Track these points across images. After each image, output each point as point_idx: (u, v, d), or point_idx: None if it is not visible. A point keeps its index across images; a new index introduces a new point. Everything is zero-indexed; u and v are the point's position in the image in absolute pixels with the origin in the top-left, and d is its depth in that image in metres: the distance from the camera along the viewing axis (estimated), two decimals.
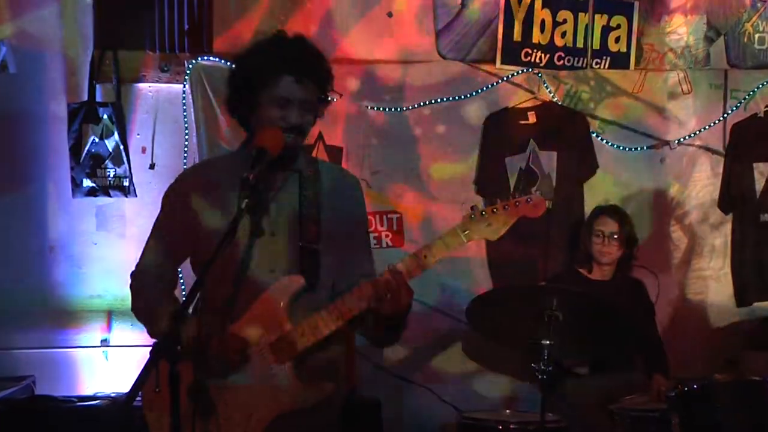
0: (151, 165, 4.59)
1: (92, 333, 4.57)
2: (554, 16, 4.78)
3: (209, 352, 2.35)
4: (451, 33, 4.76)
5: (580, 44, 4.82)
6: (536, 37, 4.78)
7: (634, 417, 3.66)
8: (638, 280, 4.42)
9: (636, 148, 4.82)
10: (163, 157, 4.60)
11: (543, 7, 4.78)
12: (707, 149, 4.87)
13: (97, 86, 4.52)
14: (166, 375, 2.08)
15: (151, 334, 2.56)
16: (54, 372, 4.47)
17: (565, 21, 4.80)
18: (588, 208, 4.63)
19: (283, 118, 2.46)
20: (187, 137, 4.55)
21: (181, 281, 3.90)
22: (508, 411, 4.02)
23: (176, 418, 2.10)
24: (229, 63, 3.79)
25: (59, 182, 4.53)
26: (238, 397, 2.43)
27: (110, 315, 4.54)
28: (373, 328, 2.54)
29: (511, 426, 3.71)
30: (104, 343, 4.56)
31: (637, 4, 4.85)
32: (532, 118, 4.72)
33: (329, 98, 2.62)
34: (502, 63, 4.78)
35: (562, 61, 4.82)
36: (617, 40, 4.86)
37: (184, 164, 4.47)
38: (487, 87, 4.74)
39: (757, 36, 4.95)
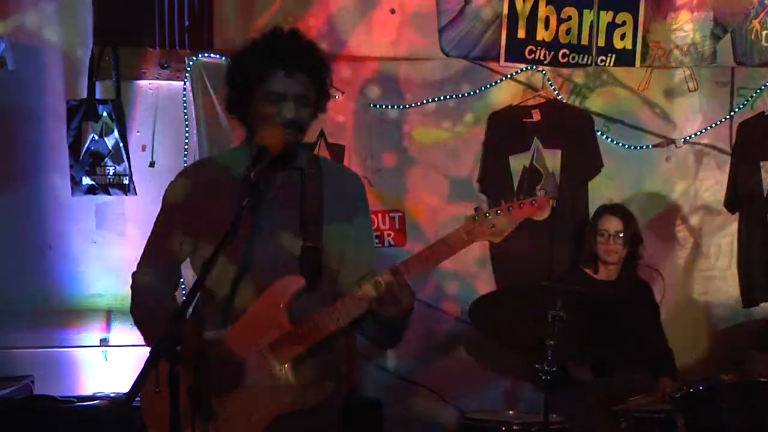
0: (151, 163, 4.59)
1: (91, 332, 4.58)
2: (559, 12, 4.78)
3: (206, 368, 2.35)
4: (454, 30, 4.76)
5: (585, 41, 4.82)
6: (540, 34, 4.78)
7: (639, 418, 3.66)
8: (644, 281, 4.42)
9: (641, 147, 4.82)
10: (164, 155, 4.60)
11: (547, 3, 4.77)
12: (713, 148, 4.86)
13: (97, 83, 4.52)
14: (166, 375, 2.08)
15: (148, 339, 2.55)
16: (53, 372, 4.48)
17: (569, 18, 4.80)
18: (592, 207, 4.63)
19: (278, 113, 2.46)
20: (187, 135, 4.55)
21: (182, 281, 3.90)
22: (511, 412, 4.03)
23: (176, 419, 2.10)
24: (228, 60, 3.79)
25: (58, 180, 4.54)
26: (237, 398, 2.43)
27: (109, 314, 4.55)
28: (374, 330, 2.54)
29: (514, 427, 3.71)
30: (103, 342, 4.57)
31: (642, 0, 4.85)
32: (536, 116, 4.72)
33: (329, 92, 2.62)
34: (506, 60, 4.77)
35: (566, 59, 4.82)
36: (623, 37, 4.85)
37: (185, 162, 4.47)
38: (491, 85, 4.75)
39: (764, 33, 4.94)
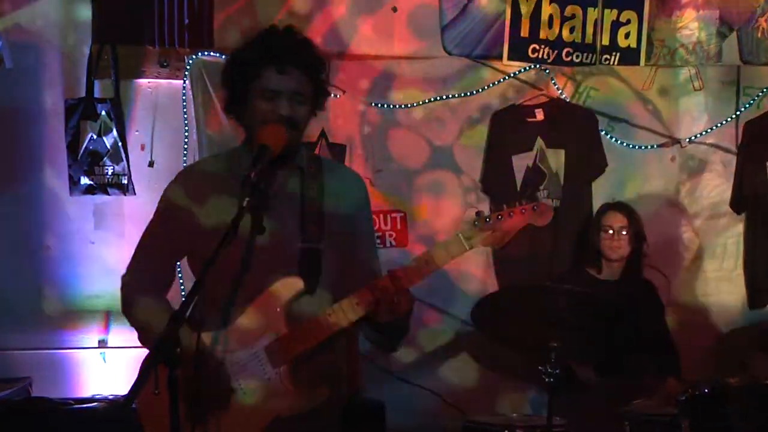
0: (150, 162, 4.59)
1: (90, 334, 4.57)
2: (562, 11, 4.77)
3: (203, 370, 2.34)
4: (456, 28, 4.76)
5: (589, 40, 4.82)
6: (544, 32, 4.77)
7: (644, 421, 3.66)
8: (648, 281, 4.42)
9: (646, 146, 4.82)
10: (163, 155, 4.60)
11: (551, 2, 4.77)
12: (719, 147, 4.87)
13: (96, 82, 4.52)
14: (165, 377, 2.08)
15: (145, 339, 2.55)
16: (51, 373, 4.47)
17: (573, 16, 4.79)
18: (596, 207, 4.63)
19: (272, 110, 2.46)
20: (186, 134, 4.55)
21: (181, 282, 3.90)
22: (514, 414, 4.03)
23: (176, 421, 2.10)
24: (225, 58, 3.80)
25: (56, 180, 4.53)
26: (232, 402, 2.42)
27: (108, 315, 4.54)
28: (374, 333, 2.54)
29: (517, 430, 3.72)
30: (102, 344, 4.56)
31: None
32: (539, 115, 4.72)
33: (327, 90, 2.61)
34: (509, 59, 4.77)
35: (570, 57, 4.81)
36: (627, 35, 4.85)
37: (184, 161, 4.47)
38: (494, 84, 4.75)
39: None
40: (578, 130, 4.77)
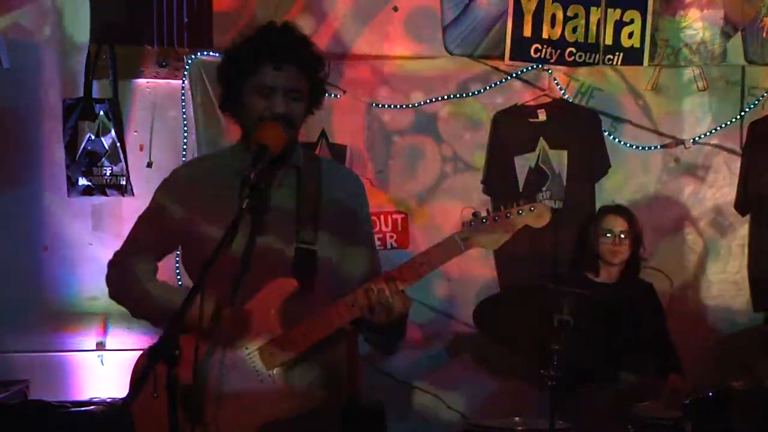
0: (148, 163, 4.59)
1: (87, 336, 4.58)
2: (565, 10, 4.78)
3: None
4: (458, 28, 4.76)
5: (592, 40, 4.82)
6: (546, 32, 4.78)
7: (648, 424, 3.66)
8: (647, 282, 4.41)
9: (649, 147, 4.82)
10: (161, 155, 4.60)
11: (554, 1, 4.77)
12: (723, 148, 4.86)
13: (94, 82, 4.53)
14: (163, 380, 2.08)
15: (155, 317, 2.56)
16: (48, 376, 4.48)
17: (576, 15, 4.80)
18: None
19: (267, 108, 2.46)
20: (185, 134, 4.56)
21: (179, 281, 3.91)
22: (516, 418, 4.02)
23: (174, 422, 2.11)
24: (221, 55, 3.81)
25: (54, 181, 4.54)
26: (225, 403, 2.41)
27: (106, 318, 4.55)
28: (370, 335, 2.54)
29: None
30: (99, 346, 4.57)
31: None
32: (542, 115, 4.72)
33: (324, 88, 2.61)
34: (512, 59, 4.78)
35: (573, 57, 4.82)
36: (630, 35, 4.86)
37: (183, 162, 4.48)
38: (496, 84, 4.75)
39: None
40: (581, 131, 4.78)
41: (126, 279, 2.61)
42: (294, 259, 2.49)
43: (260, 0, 4.61)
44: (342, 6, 4.68)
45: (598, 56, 4.84)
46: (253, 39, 2.53)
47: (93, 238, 4.59)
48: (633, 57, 4.85)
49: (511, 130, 4.72)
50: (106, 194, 4.52)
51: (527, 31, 4.76)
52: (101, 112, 4.49)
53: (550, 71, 4.76)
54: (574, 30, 4.81)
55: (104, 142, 4.50)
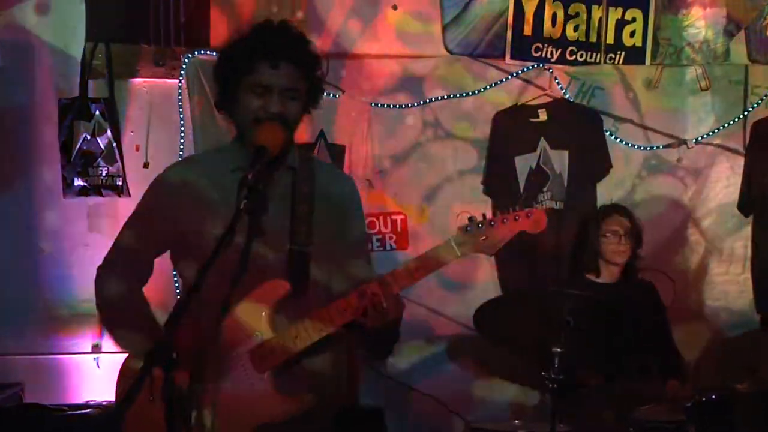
0: (145, 163, 4.59)
1: (83, 338, 4.57)
2: (566, 9, 4.78)
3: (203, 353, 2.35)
4: (458, 27, 4.76)
5: (593, 38, 4.82)
6: (547, 31, 4.78)
7: (649, 428, 3.66)
8: (649, 283, 4.41)
9: (651, 147, 4.83)
10: (158, 156, 4.59)
11: (554, 0, 4.78)
12: (726, 148, 4.86)
13: (89, 81, 4.52)
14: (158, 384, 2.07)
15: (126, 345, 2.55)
16: (43, 379, 4.47)
17: (577, 14, 4.80)
18: None
19: (263, 107, 2.46)
20: (182, 135, 4.56)
21: (176, 281, 3.91)
22: (517, 421, 4.02)
23: (172, 427, 2.10)
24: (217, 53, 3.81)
25: (49, 181, 4.53)
26: (220, 406, 2.41)
27: None
28: (363, 339, 2.54)
29: None
30: (96, 349, 4.56)
31: None
32: (542, 115, 4.72)
33: (321, 87, 2.61)
34: (512, 58, 4.78)
35: (574, 56, 4.82)
36: (632, 34, 4.86)
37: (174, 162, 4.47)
38: (496, 83, 4.75)
39: None
40: (582, 131, 4.77)
41: (120, 301, 2.61)
42: (287, 262, 2.49)
43: None
44: (341, 4, 4.68)
45: (599, 55, 4.84)
46: (249, 37, 2.53)
47: (89, 239, 4.59)
48: (635, 56, 4.85)
49: (511, 130, 4.72)
50: (102, 195, 4.52)
51: (528, 30, 4.76)
52: (97, 112, 4.49)
53: (551, 70, 4.76)
54: (575, 29, 4.81)
55: (100, 142, 4.50)
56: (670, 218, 4.82)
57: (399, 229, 4.67)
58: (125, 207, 4.52)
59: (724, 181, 4.85)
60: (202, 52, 4.54)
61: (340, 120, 4.62)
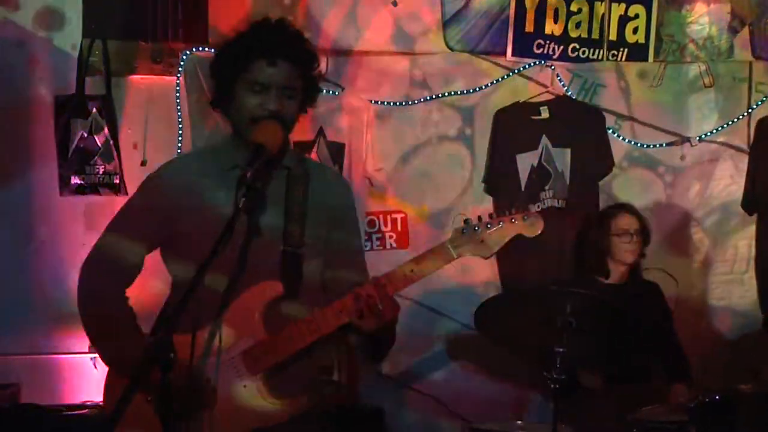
0: (142, 161, 4.59)
1: (80, 338, 4.56)
2: (568, 5, 4.78)
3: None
4: (459, 23, 4.77)
5: (595, 35, 4.82)
6: (549, 27, 4.78)
7: (652, 428, 3.66)
8: (653, 283, 4.42)
9: (654, 145, 4.83)
10: (156, 154, 4.58)
11: None
12: (730, 146, 4.87)
13: (86, 78, 4.52)
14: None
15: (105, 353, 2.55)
16: (40, 379, 4.47)
17: (579, 11, 4.80)
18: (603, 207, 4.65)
19: (260, 105, 2.47)
20: (180, 132, 4.56)
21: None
22: (518, 422, 4.03)
23: (169, 428, 2.11)
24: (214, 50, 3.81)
25: (46, 180, 4.52)
26: (208, 410, 2.42)
27: None
28: (357, 341, 2.54)
29: None
30: (92, 349, 4.56)
31: None
32: (544, 113, 4.73)
33: (318, 86, 2.61)
34: (513, 55, 4.78)
35: (576, 53, 4.82)
36: (635, 30, 4.86)
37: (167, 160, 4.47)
38: (497, 80, 4.75)
39: None
40: (585, 128, 4.78)
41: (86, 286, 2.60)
42: (280, 263, 2.49)
43: None
44: (342, 1, 4.68)
45: (602, 52, 4.84)
46: (246, 34, 2.54)
47: (86, 238, 4.58)
48: (638, 53, 4.86)
49: (513, 128, 4.73)
50: (99, 193, 4.52)
51: (529, 27, 4.77)
52: (94, 110, 4.49)
53: (552, 67, 4.77)
54: (578, 25, 4.81)
55: (97, 140, 4.50)
56: (673, 216, 4.83)
57: (399, 228, 4.67)
58: None
59: (728, 179, 4.86)
60: (201, 48, 4.53)
61: (339, 117, 4.62)
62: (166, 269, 2.68)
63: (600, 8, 4.82)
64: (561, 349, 3.40)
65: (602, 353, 3.68)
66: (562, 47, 4.80)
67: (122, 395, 1.94)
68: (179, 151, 4.54)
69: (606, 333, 3.53)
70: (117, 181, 4.51)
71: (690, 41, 4.90)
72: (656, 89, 4.84)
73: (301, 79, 2.53)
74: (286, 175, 2.58)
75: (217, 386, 2.43)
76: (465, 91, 4.73)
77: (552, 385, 3.41)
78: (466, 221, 2.46)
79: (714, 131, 4.85)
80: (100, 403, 4.22)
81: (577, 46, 4.82)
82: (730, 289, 4.86)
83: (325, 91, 4.48)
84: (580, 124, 4.77)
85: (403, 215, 4.68)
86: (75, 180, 4.49)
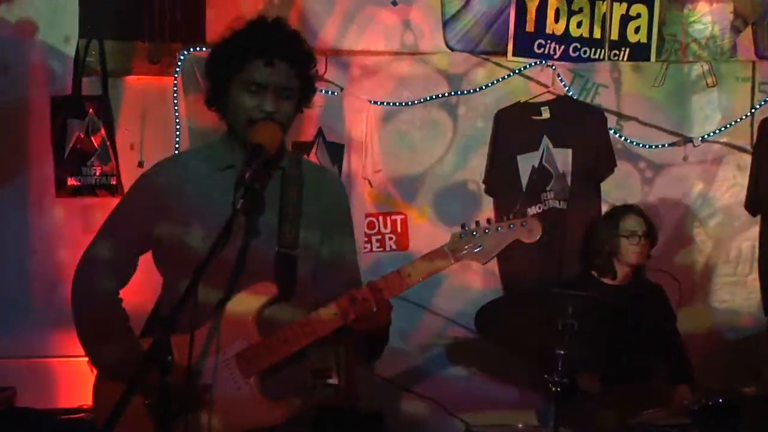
0: (139, 162, 4.59)
1: (76, 342, 4.56)
2: (569, 4, 4.79)
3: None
4: (459, 23, 4.77)
5: (597, 35, 4.83)
6: (550, 27, 4.79)
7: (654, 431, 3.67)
8: (657, 285, 4.44)
9: (657, 146, 4.84)
10: (153, 154, 4.58)
11: None
12: (733, 147, 4.88)
13: (83, 79, 4.52)
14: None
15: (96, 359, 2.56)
16: (36, 383, 4.47)
17: (581, 10, 4.81)
18: (605, 209, 4.65)
19: (257, 106, 2.47)
20: (178, 133, 4.56)
21: None
22: (520, 425, 4.04)
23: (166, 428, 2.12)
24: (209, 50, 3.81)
25: (42, 181, 4.53)
26: (200, 412, 2.43)
27: None
28: (351, 343, 2.55)
29: None
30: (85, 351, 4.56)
31: None
32: (545, 113, 4.73)
33: (315, 86, 2.62)
34: (514, 55, 4.79)
35: (578, 53, 4.83)
36: (637, 30, 4.87)
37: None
38: (498, 80, 4.76)
39: None
40: (586, 129, 4.78)
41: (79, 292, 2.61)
42: (274, 264, 2.49)
43: None
44: (341, 1, 4.69)
45: (603, 52, 4.85)
46: (242, 34, 2.55)
47: (83, 240, 4.56)
48: (640, 52, 4.87)
49: (513, 129, 4.73)
50: (96, 195, 4.52)
51: (530, 26, 4.77)
52: (90, 110, 4.50)
53: (554, 67, 4.77)
54: (579, 25, 4.82)
55: (94, 141, 4.50)
56: (676, 218, 4.84)
57: (399, 229, 4.68)
58: None
59: (731, 180, 4.87)
60: (198, 48, 4.54)
61: (339, 118, 4.63)
62: (154, 269, 2.69)
63: (601, 7, 4.82)
64: (562, 352, 3.41)
65: (604, 355, 3.69)
66: (563, 47, 4.81)
67: (120, 398, 1.94)
68: (177, 152, 4.55)
69: (608, 334, 3.53)
70: (114, 183, 4.51)
71: (692, 41, 4.90)
72: (658, 89, 4.85)
73: (297, 78, 2.53)
74: (281, 176, 2.58)
75: (215, 387, 2.44)
76: (465, 92, 4.74)
77: (553, 388, 3.42)
78: (463, 226, 2.48)
79: (717, 132, 4.86)
80: None
81: (579, 46, 4.82)
82: (734, 290, 4.87)
83: (324, 91, 4.50)
84: (581, 125, 4.77)
85: (402, 216, 4.68)
86: (71, 181, 4.49)
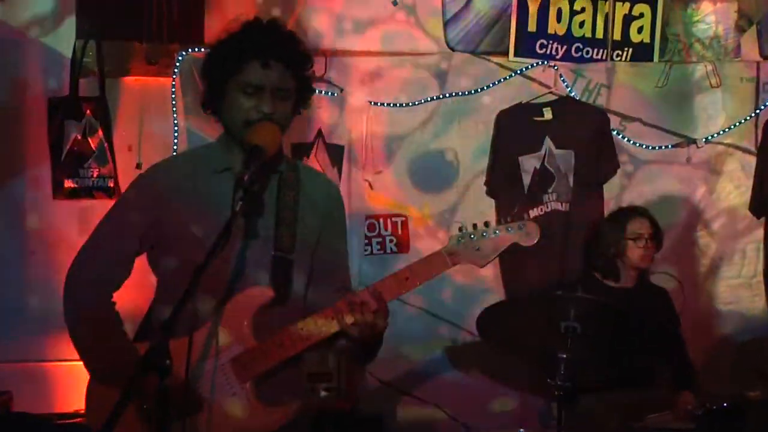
0: (137, 164, 4.59)
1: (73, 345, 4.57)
2: (572, 4, 4.80)
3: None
4: (460, 23, 4.78)
5: (599, 35, 4.84)
6: (552, 27, 4.79)
7: None
8: (662, 288, 4.44)
9: (660, 147, 4.84)
10: (151, 156, 4.59)
11: None
12: (737, 148, 4.89)
13: (80, 80, 4.53)
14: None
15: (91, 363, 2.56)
16: (32, 387, 4.47)
17: (583, 10, 4.82)
18: (607, 210, 4.65)
19: (254, 107, 2.48)
20: (176, 134, 4.57)
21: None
22: (521, 429, 4.04)
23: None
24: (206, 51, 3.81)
25: (38, 183, 4.53)
26: (196, 417, 2.42)
27: None
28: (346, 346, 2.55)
29: None
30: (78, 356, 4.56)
31: None
32: (547, 114, 4.74)
33: (312, 87, 2.62)
34: (516, 55, 4.79)
35: (580, 53, 4.83)
36: (640, 30, 4.87)
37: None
38: (499, 81, 4.76)
39: None
40: (589, 130, 4.79)
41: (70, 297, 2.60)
42: (270, 268, 2.50)
43: None
44: (340, 1, 4.69)
45: (606, 52, 4.86)
46: (238, 35, 2.55)
47: (80, 242, 4.57)
48: (643, 53, 4.87)
49: (515, 130, 4.73)
50: (93, 197, 4.52)
51: (532, 26, 4.78)
52: (88, 112, 4.50)
53: (556, 68, 4.78)
54: (581, 25, 4.82)
55: (91, 143, 4.50)
56: (679, 219, 4.84)
57: (400, 231, 4.68)
58: None
59: (735, 182, 4.87)
60: (197, 49, 4.54)
61: (339, 119, 4.63)
62: (148, 272, 2.69)
63: (604, 7, 4.83)
64: (564, 355, 3.41)
65: (606, 358, 3.69)
66: (565, 47, 4.81)
67: (118, 402, 1.94)
68: (174, 152, 4.55)
69: (611, 338, 3.54)
70: (111, 185, 4.51)
71: (696, 41, 4.91)
72: (661, 90, 4.85)
73: (294, 79, 2.54)
74: (278, 180, 2.59)
75: (213, 391, 2.44)
76: (466, 92, 4.74)
77: (556, 392, 3.42)
78: (461, 229, 2.48)
79: (721, 132, 4.86)
80: None
81: (581, 46, 4.83)
82: (738, 293, 4.87)
83: (324, 92, 4.51)
84: (583, 126, 4.77)
85: (403, 218, 4.68)
86: (68, 183, 4.49)
